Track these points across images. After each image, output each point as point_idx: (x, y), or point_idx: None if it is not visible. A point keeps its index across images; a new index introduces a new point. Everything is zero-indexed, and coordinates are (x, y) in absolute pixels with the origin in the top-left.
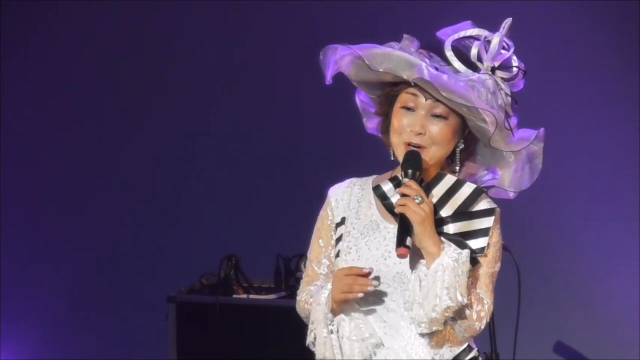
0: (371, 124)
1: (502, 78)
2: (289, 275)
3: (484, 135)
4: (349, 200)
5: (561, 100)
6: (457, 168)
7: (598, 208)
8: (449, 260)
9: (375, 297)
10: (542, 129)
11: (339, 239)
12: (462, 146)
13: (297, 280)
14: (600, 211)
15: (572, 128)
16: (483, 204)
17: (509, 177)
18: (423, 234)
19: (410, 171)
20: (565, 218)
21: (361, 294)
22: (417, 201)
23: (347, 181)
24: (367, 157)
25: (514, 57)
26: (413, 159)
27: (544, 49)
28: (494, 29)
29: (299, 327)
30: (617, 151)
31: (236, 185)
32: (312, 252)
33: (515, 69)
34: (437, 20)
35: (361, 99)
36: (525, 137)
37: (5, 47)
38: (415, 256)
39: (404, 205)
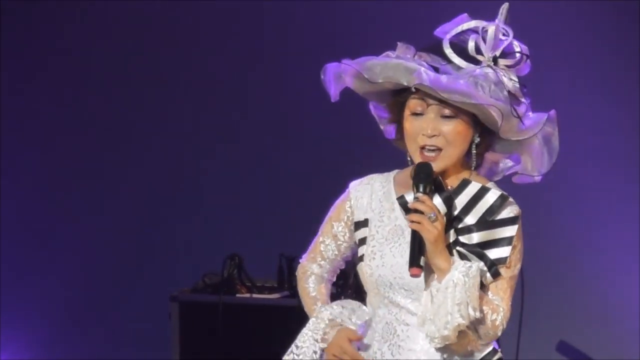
0: (389, 129)
1: (506, 66)
2: (292, 275)
3: (496, 127)
4: (370, 199)
5: (560, 100)
6: (474, 163)
7: (599, 208)
8: (459, 276)
9: (399, 303)
10: (552, 111)
11: (362, 242)
12: (477, 140)
13: None
14: (601, 211)
15: (571, 128)
16: (507, 212)
17: (531, 161)
18: (435, 251)
19: (421, 186)
20: (566, 218)
21: None
22: (431, 219)
23: (367, 177)
24: (369, 157)
25: (515, 42)
26: (424, 172)
27: (543, 49)
28: (492, 20)
29: (302, 326)
30: (617, 151)
31: (239, 185)
32: (325, 232)
33: (518, 55)
34: (436, 20)
35: (374, 105)
36: (536, 123)
37: (5, 47)
38: (431, 269)
39: (418, 222)
